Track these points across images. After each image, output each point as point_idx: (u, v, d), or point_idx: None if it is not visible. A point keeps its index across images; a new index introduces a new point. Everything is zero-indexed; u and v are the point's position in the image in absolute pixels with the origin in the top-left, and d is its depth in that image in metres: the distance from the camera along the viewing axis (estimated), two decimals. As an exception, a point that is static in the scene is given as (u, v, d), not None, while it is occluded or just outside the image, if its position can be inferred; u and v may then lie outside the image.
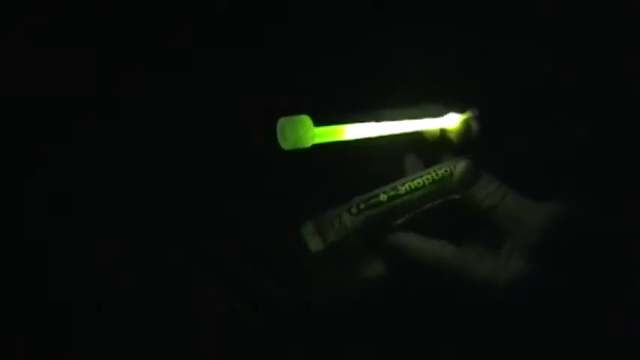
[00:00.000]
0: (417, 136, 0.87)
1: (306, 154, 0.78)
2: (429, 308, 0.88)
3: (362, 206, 0.84)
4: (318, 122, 0.79)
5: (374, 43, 0.91)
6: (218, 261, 0.87)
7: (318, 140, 0.79)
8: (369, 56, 0.92)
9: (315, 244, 0.83)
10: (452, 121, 0.88)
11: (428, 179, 0.86)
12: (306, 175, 0.90)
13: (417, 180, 0.86)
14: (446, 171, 0.86)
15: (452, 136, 0.88)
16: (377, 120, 0.83)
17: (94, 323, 0.84)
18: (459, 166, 0.85)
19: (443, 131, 0.88)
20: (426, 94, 0.87)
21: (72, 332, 0.84)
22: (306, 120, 0.78)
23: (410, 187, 0.85)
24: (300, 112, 0.77)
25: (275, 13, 0.89)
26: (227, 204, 0.88)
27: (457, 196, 0.85)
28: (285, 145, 0.77)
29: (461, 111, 0.88)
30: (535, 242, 0.80)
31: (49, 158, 0.85)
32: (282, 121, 0.77)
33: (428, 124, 0.87)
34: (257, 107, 0.87)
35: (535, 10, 0.90)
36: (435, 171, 0.86)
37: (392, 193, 0.85)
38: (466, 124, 0.88)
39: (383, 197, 0.84)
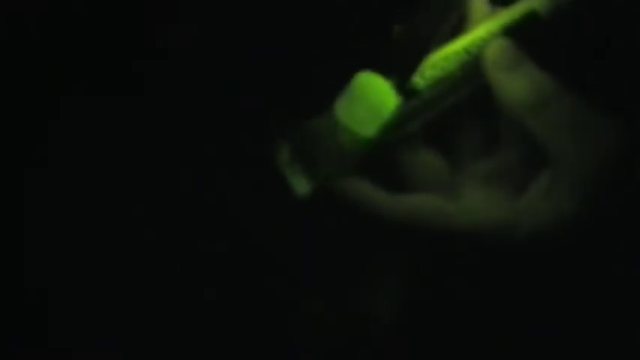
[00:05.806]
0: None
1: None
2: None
3: None
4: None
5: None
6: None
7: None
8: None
9: (301, 183, 0.58)
10: None
11: (457, 58, 0.56)
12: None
13: (442, 64, 0.56)
14: (483, 41, 0.56)
15: None
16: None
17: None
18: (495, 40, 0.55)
19: None
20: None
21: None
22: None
23: (432, 77, 0.57)
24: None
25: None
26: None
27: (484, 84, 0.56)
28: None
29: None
30: (603, 173, 0.52)
31: (48, 158, 0.85)
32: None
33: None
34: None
35: None
36: (470, 42, 0.57)
37: (408, 89, 0.56)
38: None
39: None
